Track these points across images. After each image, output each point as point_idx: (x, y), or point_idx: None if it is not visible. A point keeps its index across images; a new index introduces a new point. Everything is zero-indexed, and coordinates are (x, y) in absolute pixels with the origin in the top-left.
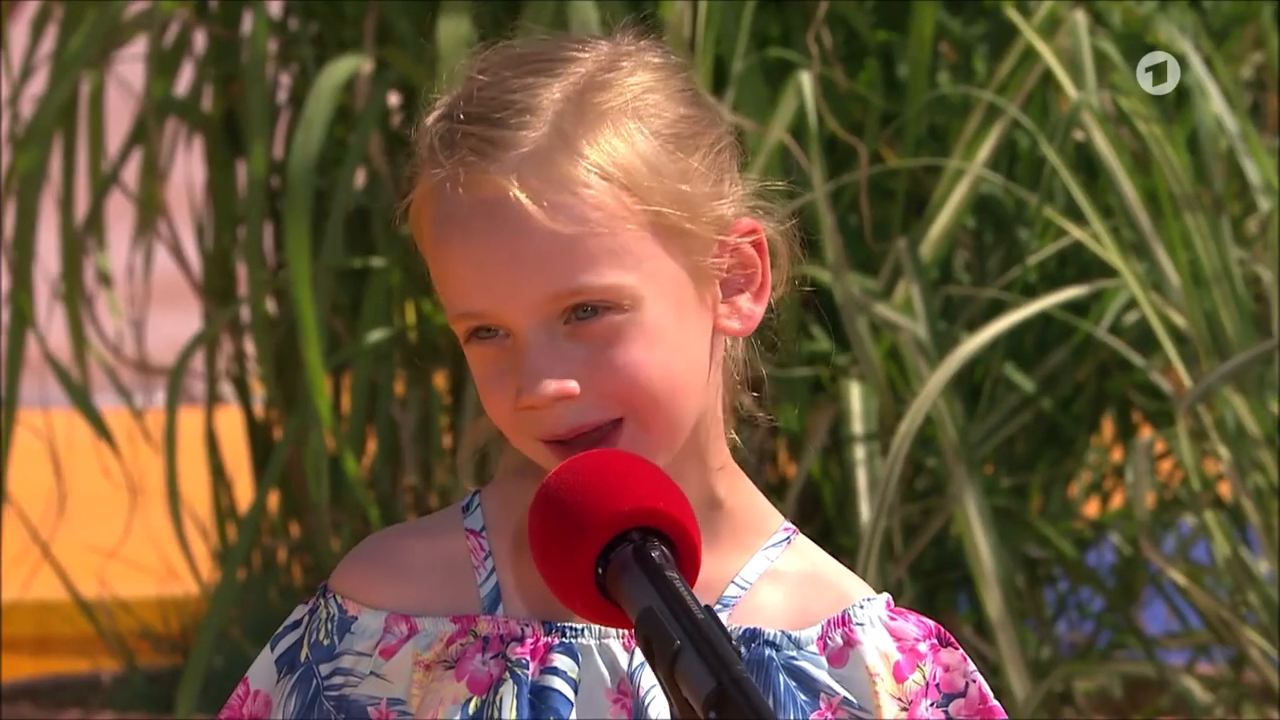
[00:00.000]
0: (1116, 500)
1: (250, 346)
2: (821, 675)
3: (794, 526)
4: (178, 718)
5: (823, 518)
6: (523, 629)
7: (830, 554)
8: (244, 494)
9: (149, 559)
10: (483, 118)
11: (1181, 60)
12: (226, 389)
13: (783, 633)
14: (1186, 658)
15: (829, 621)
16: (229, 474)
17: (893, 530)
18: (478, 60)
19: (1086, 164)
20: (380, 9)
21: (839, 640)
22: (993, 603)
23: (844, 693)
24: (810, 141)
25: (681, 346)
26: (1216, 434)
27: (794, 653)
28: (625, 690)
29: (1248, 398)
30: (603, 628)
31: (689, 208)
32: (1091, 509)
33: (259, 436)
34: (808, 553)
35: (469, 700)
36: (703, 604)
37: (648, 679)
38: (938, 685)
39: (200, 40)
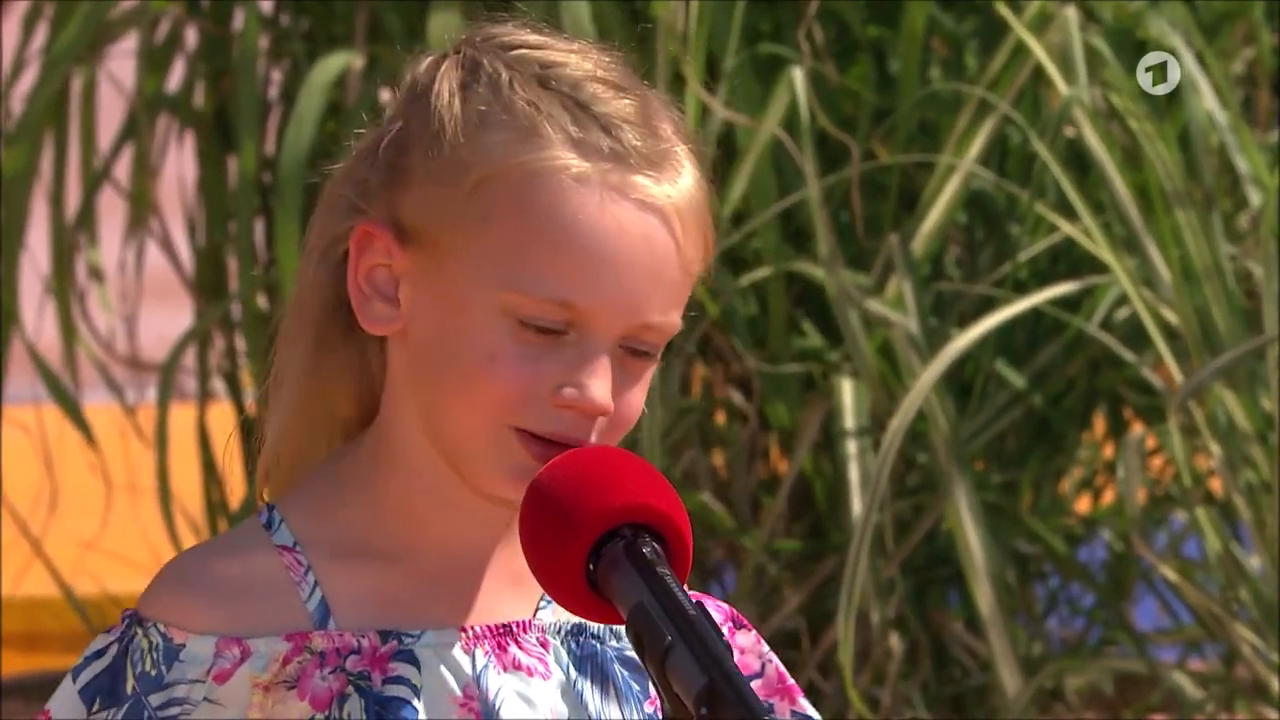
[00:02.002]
0: (1108, 496)
1: (242, 342)
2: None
3: None
4: None
5: (814, 514)
6: (358, 640)
7: (819, 550)
8: (235, 490)
9: (140, 555)
10: (614, 112)
11: (1173, 56)
12: (218, 385)
13: (605, 626)
14: (1178, 654)
15: None
16: (220, 470)
17: (884, 526)
18: (507, 32)
19: (1078, 160)
20: (371, 5)
21: None
22: (984, 599)
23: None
24: (802, 137)
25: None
26: (1208, 430)
27: (617, 644)
28: (472, 694)
29: (1239, 393)
30: (437, 631)
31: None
32: (1083, 505)
33: (250, 432)
34: None
35: (313, 718)
36: (695, 600)
37: (494, 682)
38: None
39: (191, 36)
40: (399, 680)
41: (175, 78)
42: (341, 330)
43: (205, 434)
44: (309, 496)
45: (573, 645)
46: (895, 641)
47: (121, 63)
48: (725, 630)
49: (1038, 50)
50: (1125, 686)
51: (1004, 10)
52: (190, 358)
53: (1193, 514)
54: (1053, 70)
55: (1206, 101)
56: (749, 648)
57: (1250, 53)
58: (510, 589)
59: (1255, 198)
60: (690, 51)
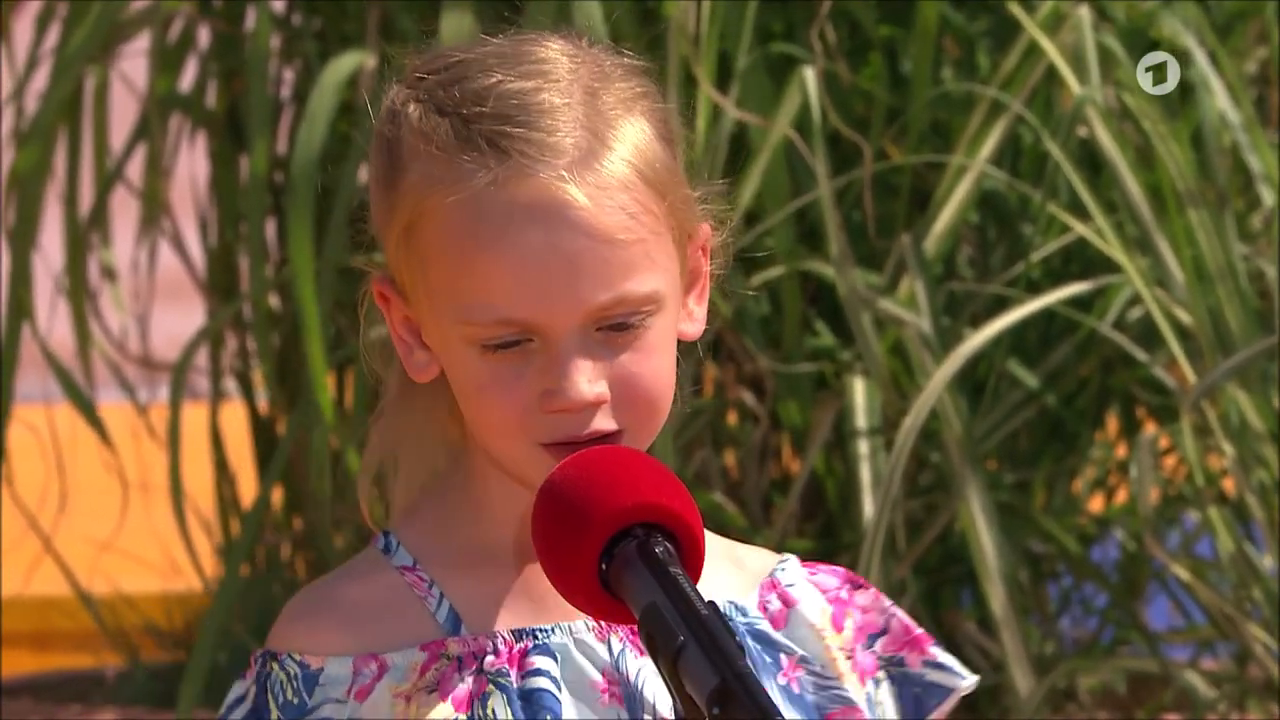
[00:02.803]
0: (1120, 496)
1: (254, 342)
2: (778, 636)
3: None
4: (180, 714)
5: (826, 513)
6: (493, 642)
7: (832, 549)
8: (247, 490)
9: (152, 554)
10: (506, 118)
11: (1185, 56)
12: (230, 385)
13: (730, 602)
14: (1190, 653)
15: (762, 587)
16: (232, 470)
17: (896, 526)
18: (433, 58)
19: (1090, 160)
20: (383, 5)
21: (776, 603)
22: (996, 599)
23: (800, 651)
24: (814, 137)
25: (672, 354)
26: (1220, 430)
27: (746, 619)
28: (613, 679)
29: (1251, 393)
30: (572, 624)
31: (690, 211)
32: (1095, 505)
33: (262, 432)
34: (717, 539)
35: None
36: (706, 600)
37: (633, 664)
38: (860, 628)
39: (204, 36)
40: (539, 673)
41: (188, 77)
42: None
43: (217, 433)
44: (420, 518)
45: None
46: None
47: (134, 62)
48: (847, 593)
49: (1050, 50)
50: (1138, 686)
51: (1016, 10)
52: (202, 357)
53: (1205, 514)
54: (1065, 70)
55: (1219, 101)
56: (870, 605)
57: (1263, 52)
58: None
59: (1268, 197)
60: (702, 51)
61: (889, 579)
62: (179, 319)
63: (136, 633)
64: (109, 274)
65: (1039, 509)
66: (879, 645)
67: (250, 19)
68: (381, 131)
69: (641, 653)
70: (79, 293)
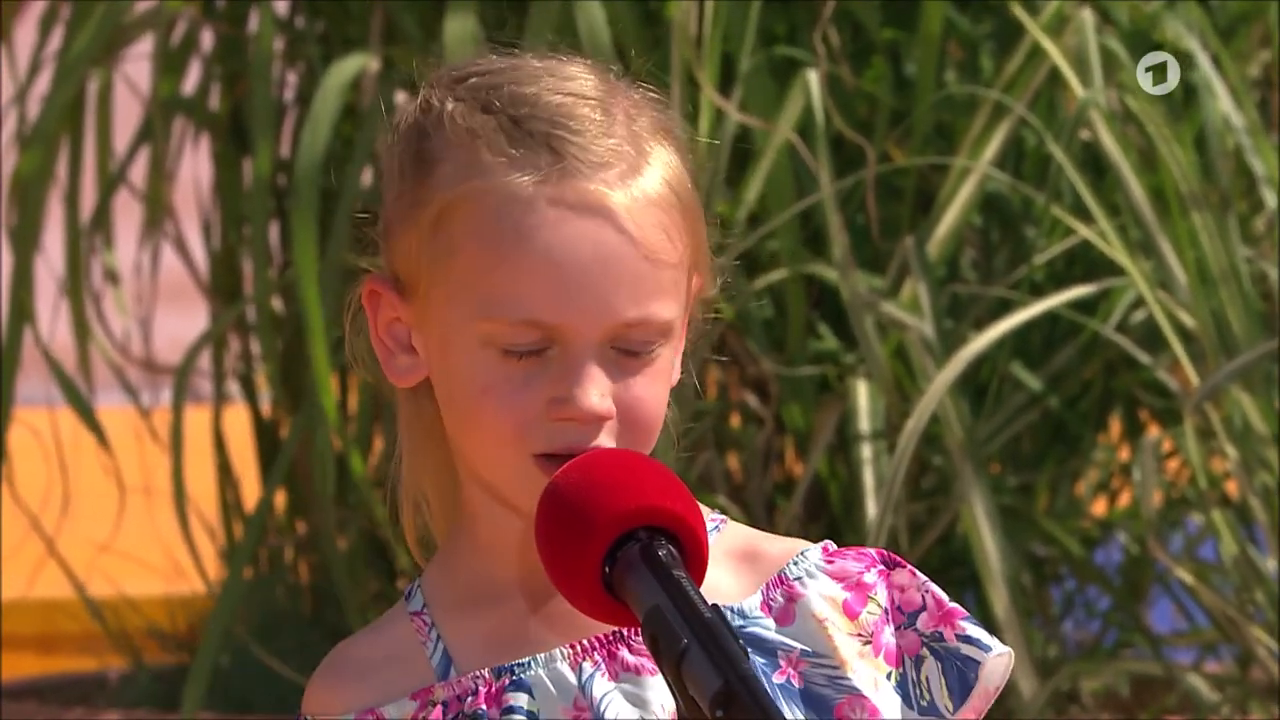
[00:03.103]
0: (1123, 499)
1: (257, 345)
2: (773, 636)
3: (723, 516)
4: (184, 716)
5: (829, 516)
6: (475, 682)
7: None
8: (250, 492)
9: (155, 557)
10: (555, 122)
11: (1188, 58)
12: (233, 388)
13: (727, 607)
14: (1193, 656)
15: (767, 585)
16: (235, 473)
17: (899, 529)
18: (464, 66)
19: (1093, 162)
20: (386, 8)
21: (780, 599)
22: (999, 601)
23: (800, 646)
24: (817, 140)
25: (669, 387)
26: (1223, 432)
27: (741, 622)
28: (582, 705)
29: (1255, 396)
30: (549, 653)
31: (703, 253)
32: (1098, 508)
33: (265, 435)
34: (741, 533)
35: None
36: (710, 603)
37: (599, 687)
38: (899, 607)
39: (207, 39)
40: (513, 710)
41: (191, 80)
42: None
43: (220, 436)
44: (439, 556)
45: None
46: None
47: (137, 65)
48: (876, 574)
49: (1053, 53)
50: (1141, 689)
51: (1020, 13)
52: (205, 360)
53: (1209, 516)
54: (1068, 73)
55: (1222, 104)
56: (907, 584)
57: (1266, 55)
58: None
59: (1271, 200)
60: (705, 54)
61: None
62: (182, 322)
63: (140, 635)
64: (112, 277)
65: (1042, 512)
66: (920, 622)
67: (253, 22)
68: (411, 124)
69: (612, 676)
70: (80, 295)
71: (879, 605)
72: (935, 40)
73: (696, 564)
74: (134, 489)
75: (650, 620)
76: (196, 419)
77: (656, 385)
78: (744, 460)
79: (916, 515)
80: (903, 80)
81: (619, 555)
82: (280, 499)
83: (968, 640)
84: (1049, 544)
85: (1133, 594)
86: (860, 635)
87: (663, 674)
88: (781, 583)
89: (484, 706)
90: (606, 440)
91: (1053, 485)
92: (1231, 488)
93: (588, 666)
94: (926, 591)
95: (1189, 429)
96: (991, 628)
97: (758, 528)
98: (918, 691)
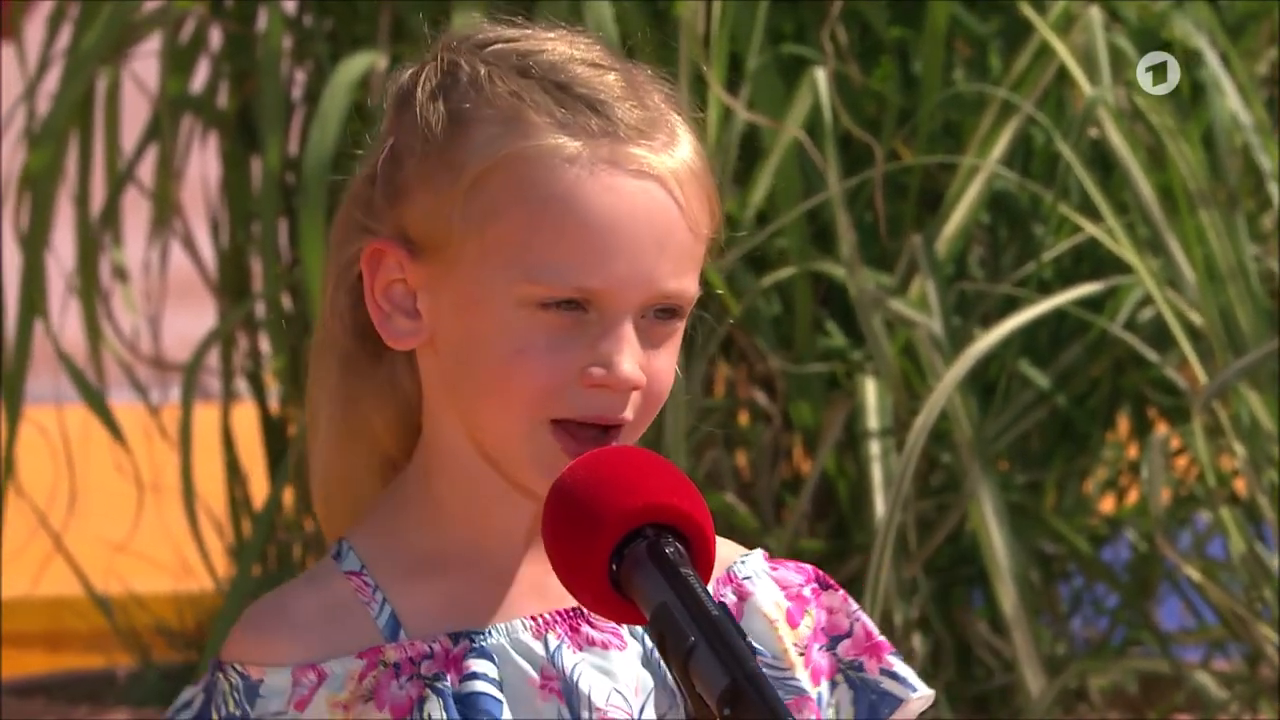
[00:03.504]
0: (1132, 496)
1: (266, 343)
2: None
3: None
4: None
5: (838, 514)
6: (430, 646)
7: (843, 550)
8: (259, 490)
9: (164, 555)
10: (594, 88)
11: (1197, 57)
12: (242, 385)
13: None
14: (1202, 654)
15: (717, 582)
16: (244, 470)
17: (907, 526)
18: (482, 33)
19: (1101, 160)
20: (394, 6)
21: (732, 596)
22: (1007, 599)
23: (753, 643)
24: (825, 138)
25: None
26: (1232, 430)
27: None
28: (550, 675)
29: (1263, 394)
30: (509, 623)
31: (717, 233)
32: (1107, 505)
33: (274, 432)
34: None
35: None
36: (717, 601)
37: (569, 659)
38: (823, 629)
39: (215, 37)
40: (476, 676)
41: (199, 78)
42: (370, 356)
43: (229, 434)
44: (373, 522)
45: None
46: (919, 642)
47: (145, 63)
48: (811, 591)
49: (1061, 51)
50: (1149, 687)
51: (1028, 10)
52: (214, 358)
53: (1217, 514)
54: (1077, 71)
55: (1231, 102)
56: (837, 607)
57: (1274, 53)
58: None
59: (1279, 197)
60: (713, 52)
61: (900, 579)
62: (191, 319)
63: (148, 633)
64: (121, 275)
65: (1050, 509)
66: (841, 648)
67: (262, 20)
68: (437, 86)
69: (577, 649)
70: (90, 293)
71: (812, 621)
72: (943, 38)
73: (704, 562)
74: (143, 486)
75: (657, 618)
76: (205, 417)
77: (672, 358)
78: (752, 457)
79: (925, 512)
80: (910, 79)
81: (626, 553)
82: (289, 496)
83: (893, 676)
84: (1057, 541)
85: (1141, 591)
86: (797, 646)
87: (670, 671)
88: (730, 580)
89: (442, 670)
90: (629, 412)
91: (1061, 483)
92: (1240, 485)
93: (552, 638)
94: (856, 619)
95: (1197, 427)
96: (1000, 625)
97: (765, 525)
98: (829, 713)
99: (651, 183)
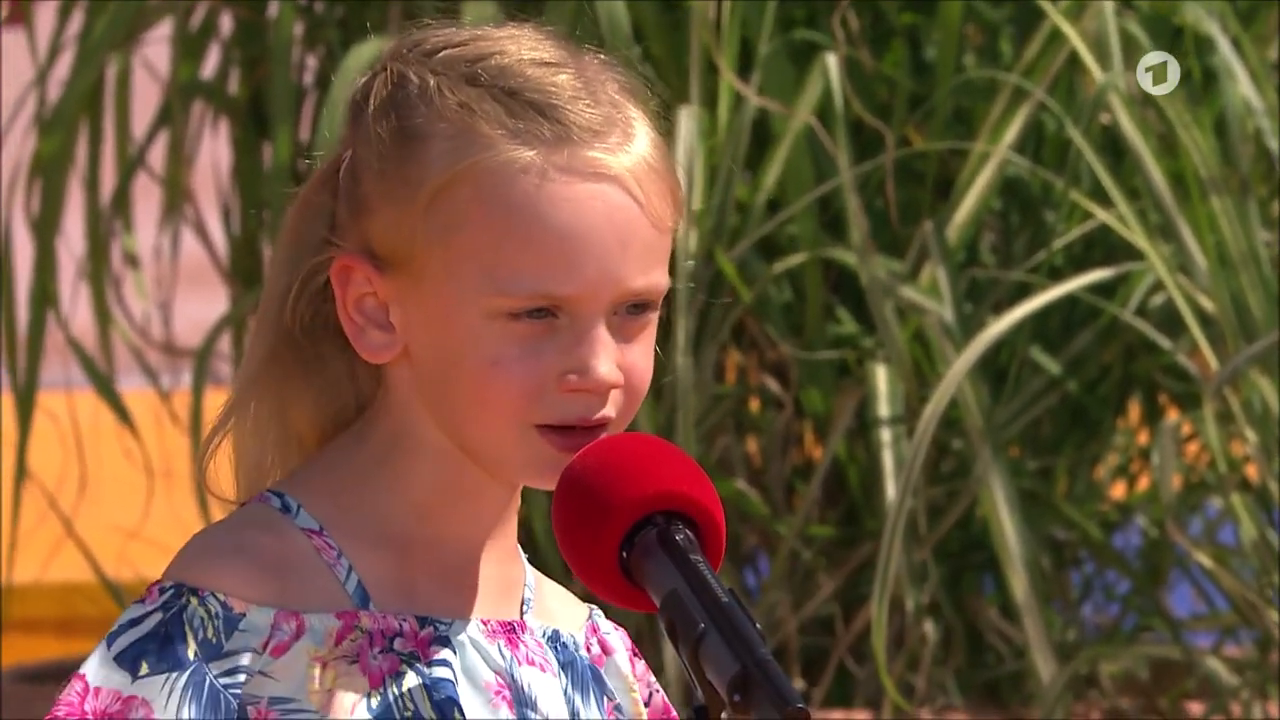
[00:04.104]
0: (1143, 483)
1: None
2: (604, 676)
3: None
4: None
5: (849, 500)
6: (400, 624)
7: (854, 536)
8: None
9: (175, 540)
10: (546, 92)
11: (1208, 42)
12: None
13: (572, 636)
14: (1213, 640)
15: (589, 628)
16: None
17: (918, 513)
18: (422, 40)
19: (1113, 146)
20: None
21: (597, 648)
22: (1018, 585)
23: (617, 699)
24: (836, 124)
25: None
26: (1243, 416)
27: (586, 655)
28: (504, 683)
29: (1274, 380)
30: (464, 621)
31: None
32: (1118, 491)
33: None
34: (535, 573)
35: (369, 695)
36: (727, 587)
37: (520, 671)
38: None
39: (226, 23)
40: (441, 663)
41: (210, 64)
42: (304, 340)
43: None
44: (321, 484)
45: (557, 649)
46: (929, 628)
47: (156, 49)
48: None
49: (1073, 37)
50: (1160, 673)
51: None
52: (225, 343)
53: (1228, 500)
54: (1088, 57)
55: (1242, 87)
56: (640, 676)
57: None
58: (502, 590)
59: None
60: (724, 39)
61: (911, 565)
62: (202, 305)
63: None
64: (131, 261)
65: (1061, 496)
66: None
67: (273, 6)
68: (387, 100)
69: (520, 663)
70: (100, 279)
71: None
72: (954, 24)
73: (714, 549)
74: (154, 472)
75: (667, 604)
76: (216, 402)
77: (648, 350)
78: (763, 444)
79: (936, 499)
80: (922, 64)
81: (636, 540)
82: None
83: None
84: (1068, 528)
85: (1152, 578)
86: (649, 685)
87: (680, 657)
88: (595, 631)
89: (415, 650)
90: (610, 409)
91: (1072, 469)
92: (1251, 471)
93: (503, 645)
94: (656, 691)
95: (1208, 413)
96: (1011, 611)
97: (776, 512)
98: None
99: (609, 184)
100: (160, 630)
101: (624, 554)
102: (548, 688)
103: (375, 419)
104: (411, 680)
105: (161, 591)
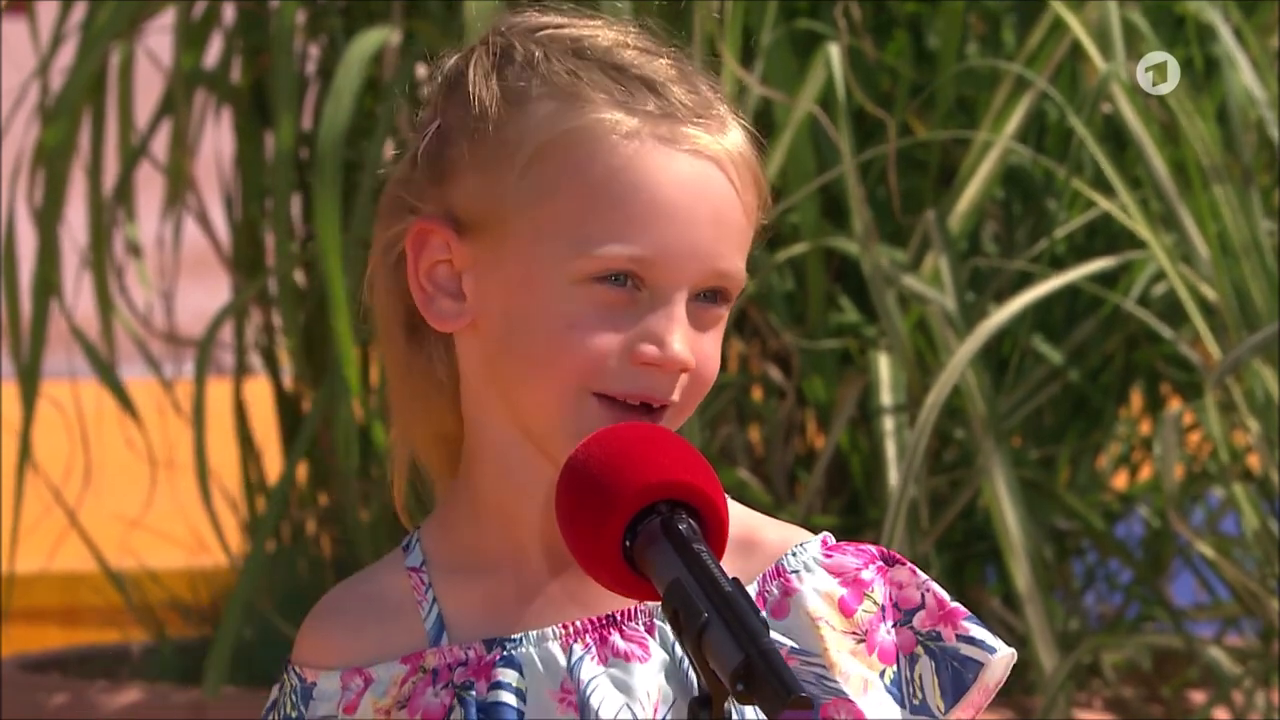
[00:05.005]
0: (1145, 472)
1: (279, 318)
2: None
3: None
4: (206, 689)
5: (851, 490)
6: (466, 653)
7: (856, 525)
8: (273, 465)
9: (178, 530)
10: (649, 70)
11: (1210, 31)
12: (255, 360)
13: None
14: (1215, 630)
15: (764, 576)
16: (258, 445)
17: (920, 502)
18: (526, 20)
19: (1115, 135)
20: None
21: (776, 592)
22: (1021, 575)
23: (790, 643)
24: (838, 113)
25: None
26: (1245, 406)
27: None
28: (569, 688)
29: (1276, 369)
30: (542, 630)
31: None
32: (1120, 481)
33: (288, 408)
34: (740, 517)
35: None
36: (730, 577)
37: (587, 672)
38: (895, 604)
39: (229, 12)
40: (501, 686)
41: (213, 53)
42: (414, 343)
43: (242, 409)
44: (437, 515)
45: None
46: None
47: (159, 38)
48: (875, 570)
49: (1075, 26)
50: (1162, 662)
51: None
52: (228, 333)
53: (1230, 490)
54: (1090, 46)
55: (1244, 76)
56: (906, 581)
57: None
58: None
59: None
60: (727, 27)
61: (913, 554)
62: (204, 295)
63: (163, 609)
64: (134, 250)
65: (1063, 485)
66: (916, 620)
67: None
68: (491, 68)
69: (601, 661)
70: (103, 268)
71: (875, 603)
72: (957, 13)
73: (717, 537)
74: (157, 462)
75: (671, 594)
76: (219, 392)
77: (718, 344)
78: (766, 433)
79: (938, 489)
80: (924, 53)
81: (640, 529)
82: (302, 472)
83: (970, 641)
84: (1070, 517)
85: (1154, 568)
86: (854, 633)
87: (683, 647)
88: (778, 574)
89: (473, 679)
90: (676, 394)
91: (1074, 459)
92: (1253, 461)
93: (578, 648)
94: (927, 590)
95: (1210, 402)
96: (1013, 601)
97: (779, 501)
98: (910, 690)
99: (707, 162)
100: (279, 712)
101: (628, 543)
102: (635, 676)
103: (465, 436)
104: (463, 711)
105: (283, 668)
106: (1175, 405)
